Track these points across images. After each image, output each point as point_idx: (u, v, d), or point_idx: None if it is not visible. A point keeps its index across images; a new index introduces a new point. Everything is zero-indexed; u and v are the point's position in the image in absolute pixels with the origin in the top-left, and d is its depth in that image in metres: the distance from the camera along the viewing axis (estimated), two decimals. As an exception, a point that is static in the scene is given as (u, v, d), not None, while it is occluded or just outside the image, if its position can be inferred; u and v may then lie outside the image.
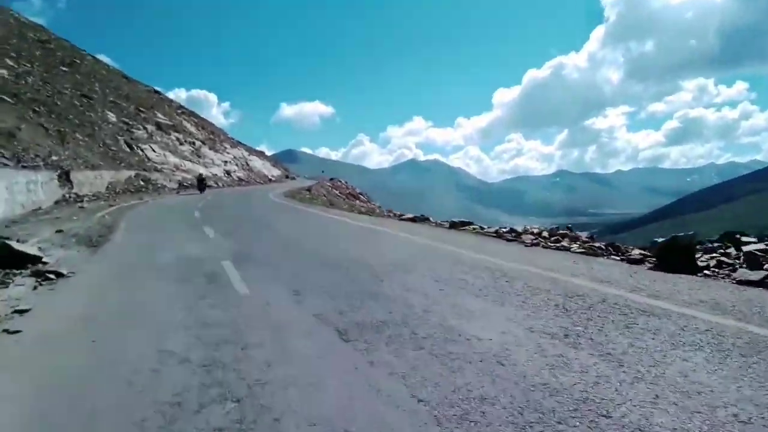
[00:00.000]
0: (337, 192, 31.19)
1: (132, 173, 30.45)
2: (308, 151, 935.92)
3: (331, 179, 53.71)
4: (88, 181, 23.91)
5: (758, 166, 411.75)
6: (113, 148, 32.08)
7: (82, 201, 20.91)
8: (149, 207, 20.47)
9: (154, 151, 36.86)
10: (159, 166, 35.63)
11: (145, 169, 33.12)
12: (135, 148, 35.05)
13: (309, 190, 30.10)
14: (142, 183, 30.73)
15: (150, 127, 40.09)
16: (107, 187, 25.98)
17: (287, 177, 72.76)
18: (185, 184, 36.40)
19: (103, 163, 28.10)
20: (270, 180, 61.88)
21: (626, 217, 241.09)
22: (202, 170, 39.51)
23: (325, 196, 26.15)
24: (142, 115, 41.30)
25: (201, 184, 32.50)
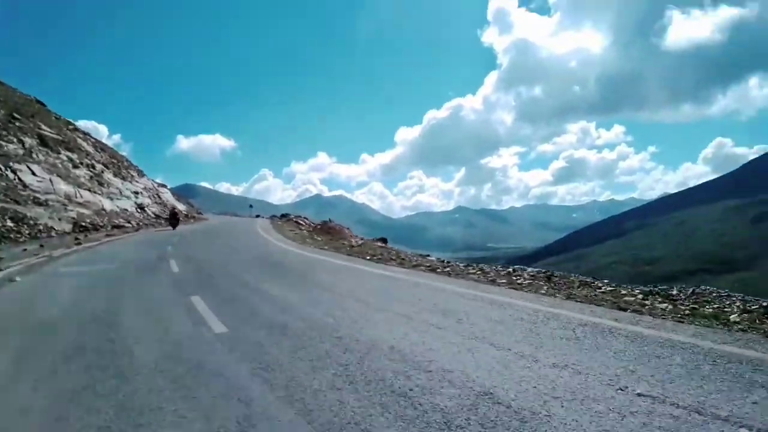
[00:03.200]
0: (348, 231, 22.37)
1: (-6, 208, 18.91)
2: (208, 185, 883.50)
3: (283, 216, 43.97)
4: None
5: (635, 203, 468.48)
6: (-38, 167, 20.15)
7: None
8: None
9: (34, 174, 24.86)
10: (42, 197, 23.78)
11: (16, 201, 21.42)
12: (2, 168, 23.04)
13: (330, 231, 21.24)
14: (10, 225, 19.19)
15: (29, 141, 27.69)
16: (-55, 233, 14.67)
17: (198, 213, 61.14)
18: (83, 223, 24.79)
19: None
20: (187, 216, 49.78)
21: (521, 251, 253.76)
22: (176, 205, 40.24)
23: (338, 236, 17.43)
24: (18, 123, 28.69)
25: (174, 219, 31.33)
